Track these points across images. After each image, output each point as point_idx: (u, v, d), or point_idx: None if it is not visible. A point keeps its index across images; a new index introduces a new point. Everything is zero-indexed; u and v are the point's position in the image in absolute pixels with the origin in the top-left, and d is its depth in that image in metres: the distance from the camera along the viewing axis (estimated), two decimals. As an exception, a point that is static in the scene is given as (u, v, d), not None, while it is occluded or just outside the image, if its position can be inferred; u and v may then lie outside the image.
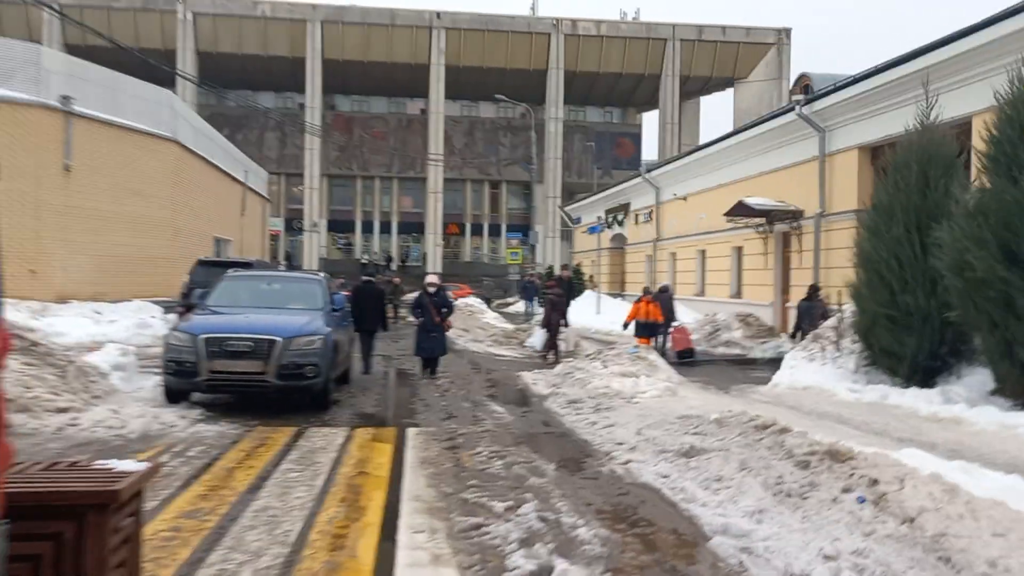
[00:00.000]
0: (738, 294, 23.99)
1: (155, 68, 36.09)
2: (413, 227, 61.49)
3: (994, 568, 4.16)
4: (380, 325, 14.63)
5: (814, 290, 16.04)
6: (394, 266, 56.39)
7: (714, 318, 20.53)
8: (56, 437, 7.76)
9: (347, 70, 57.10)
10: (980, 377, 10.20)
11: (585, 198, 44.13)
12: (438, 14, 55.94)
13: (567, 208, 47.51)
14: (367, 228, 62.57)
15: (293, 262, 54.11)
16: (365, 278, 15.40)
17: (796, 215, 19.98)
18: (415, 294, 16.59)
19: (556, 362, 16.23)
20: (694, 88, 60.88)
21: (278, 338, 9.37)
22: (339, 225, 62.15)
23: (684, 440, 7.46)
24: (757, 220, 21.31)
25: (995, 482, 5.45)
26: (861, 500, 5.36)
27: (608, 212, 36.14)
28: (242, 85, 58.02)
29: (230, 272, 12.35)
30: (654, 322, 16.49)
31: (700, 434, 7.69)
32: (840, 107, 17.92)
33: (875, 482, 5.44)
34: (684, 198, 27.78)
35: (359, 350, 13.85)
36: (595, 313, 27.57)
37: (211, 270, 15.71)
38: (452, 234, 62.36)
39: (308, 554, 4.72)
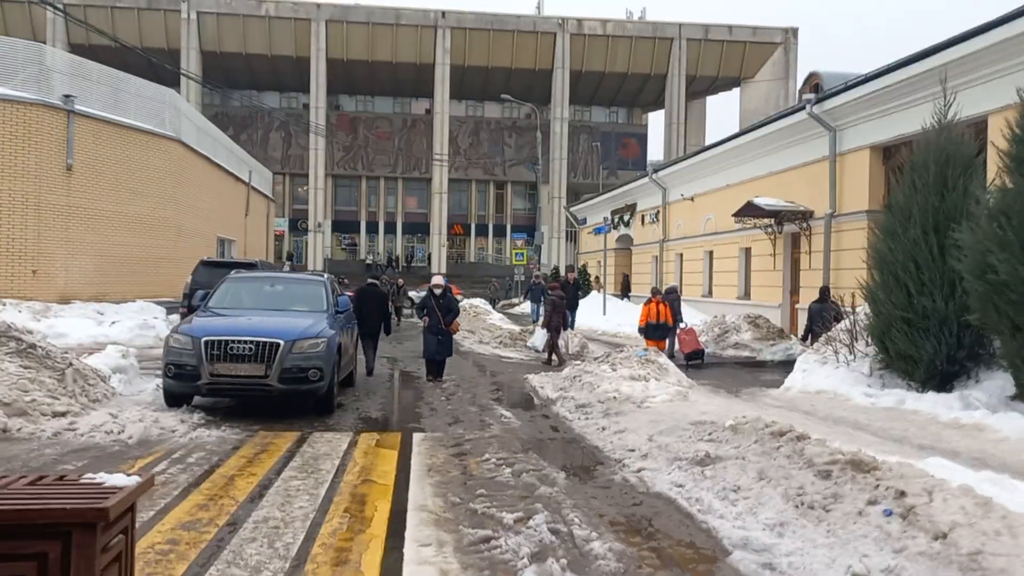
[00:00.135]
0: (746, 295, 23.74)
1: (159, 68, 36.03)
2: (418, 228, 61.35)
3: (1036, 589, 3.93)
4: (383, 327, 14.47)
5: (825, 292, 15.78)
6: (397, 267, 56.23)
7: (722, 320, 20.28)
8: (52, 442, 7.56)
9: (352, 70, 56.97)
10: (999, 382, 9.95)
11: (591, 198, 43.88)
12: (443, 13, 55.77)
13: (572, 208, 47.27)
14: (372, 229, 62.45)
15: (295, 262, 54.02)
16: (370, 280, 15.21)
17: (806, 216, 19.73)
18: (417, 293, 16.37)
19: (559, 363, 16.07)
20: (700, 88, 60.66)
21: (281, 341, 9.15)
22: (344, 225, 62.05)
23: (698, 447, 7.22)
24: (766, 221, 21.06)
25: (1029, 495, 5.21)
26: (888, 513, 5.12)
27: (614, 213, 35.90)
28: (246, 85, 57.97)
29: (232, 273, 12.12)
30: (664, 323, 16.24)
31: (715, 441, 7.45)
32: (852, 106, 17.66)
33: (902, 494, 5.20)
34: (691, 198, 27.54)
35: (362, 352, 13.65)
36: (601, 315, 27.33)
37: (214, 271, 15.50)
38: (457, 235, 62.20)
39: (310, 569, 4.51)
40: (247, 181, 35.22)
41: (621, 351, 12.61)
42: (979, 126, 13.16)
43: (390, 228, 62.82)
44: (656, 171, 31.78)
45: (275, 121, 59.71)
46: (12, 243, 18.94)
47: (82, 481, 3.07)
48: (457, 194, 61.18)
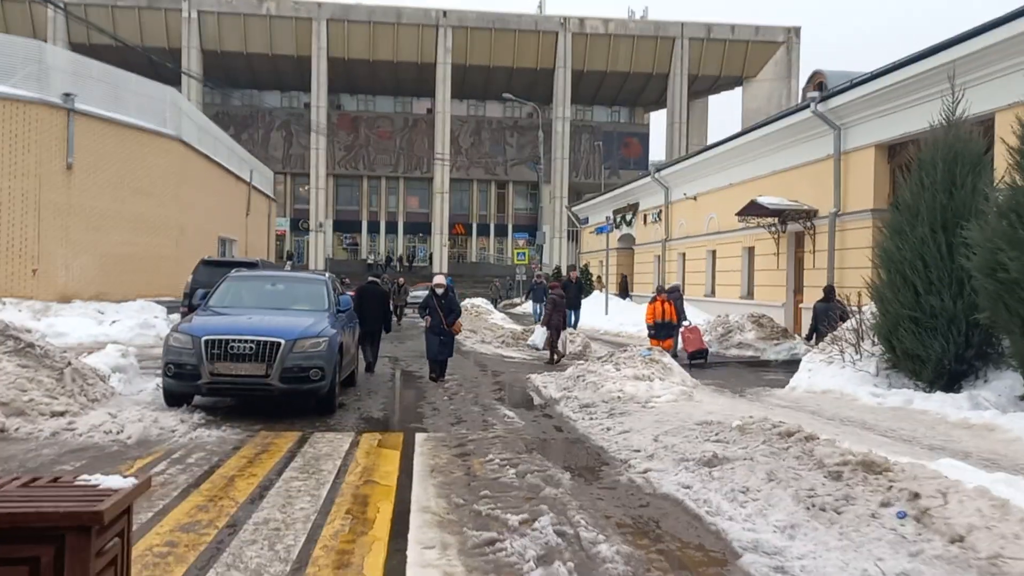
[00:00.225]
0: (749, 295, 23.64)
1: (160, 68, 35.96)
2: (419, 227, 61.27)
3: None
4: (384, 326, 14.34)
5: (831, 291, 15.66)
6: (395, 266, 56.15)
7: (726, 319, 20.16)
8: (51, 442, 7.46)
9: (353, 69, 56.88)
10: (1009, 382, 9.85)
11: (592, 198, 43.78)
12: (444, 12, 55.67)
13: (574, 208, 47.16)
14: (373, 228, 62.39)
15: (297, 261, 53.96)
16: (370, 278, 15.11)
17: (810, 215, 19.63)
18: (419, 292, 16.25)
19: (557, 361, 15.98)
20: (702, 87, 60.53)
21: (282, 340, 9.05)
22: (345, 225, 61.99)
23: (705, 448, 7.11)
24: (769, 220, 20.95)
25: (1045, 497, 5.09)
26: (902, 515, 5.02)
27: (616, 212, 35.78)
28: (247, 84, 57.93)
29: (233, 272, 12.01)
30: (669, 322, 16.13)
31: (722, 441, 7.34)
32: (856, 104, 17.55)
33: (916, 496, 5.09)
34: (694, 198, 27.43)
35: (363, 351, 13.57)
36: (603, 314, 27.23)
37: (215, 270, 15.39)
38: (458, 234, 62.11)
39: (312, 572, 4.40)
40: (248, 180, 35.13)
41: (625, 351, 12.50)
42: (986, 124, 13.04)
43: (391, 228, 62.75)
44: (658, 170, 31.68)
45: (276, 120, 59.66)
46: (12, 242, 18.85)
47: (77, 483, 3.00)
48: (458, 194, 61.10)
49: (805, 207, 19.63)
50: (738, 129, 31.41)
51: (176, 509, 5.50)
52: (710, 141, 37.60)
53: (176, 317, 16.85)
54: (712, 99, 64.59)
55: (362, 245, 62.36)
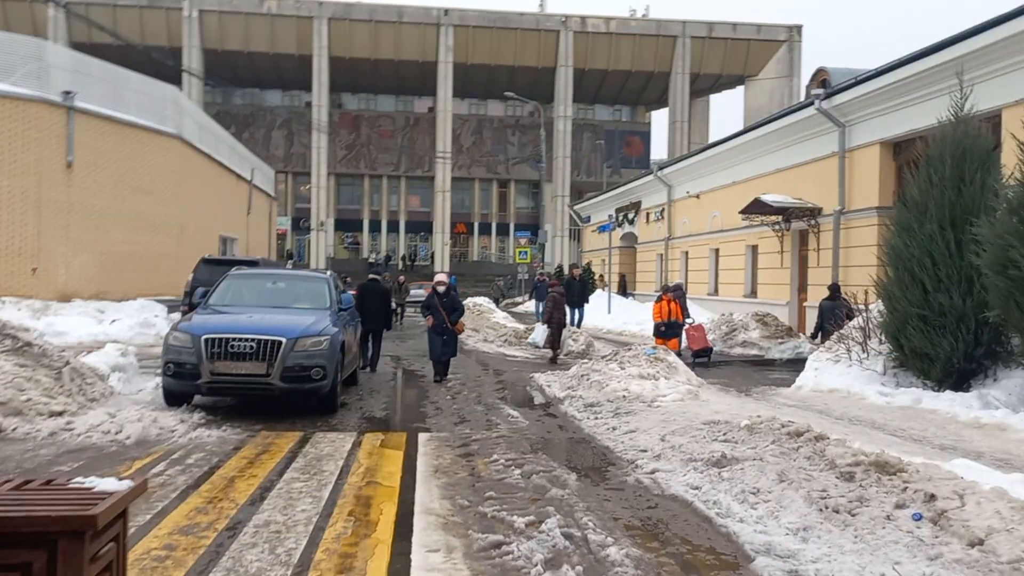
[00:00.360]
0: (752, 293, 23.51)
1: (162, 67, 35.83)
2: (421, 226, 61.13)
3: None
4: (385, 324, 14.21)
5: (836, 289, 15.54)
6: (397, 264, 56.02)
7: (730, 318, 20.03)
8: (48, 443, 7.35)
9: (354, 68, 56.74)
10: (1019, 380, 9.73)
11: (594, 196, 43.65)
12: (446, 11, 55.51)
13: (576, 206, 47.03)
14: (375, 227, 62.27)
15: (298, 260, 53.84)
16: (371, 276, 14.99)
17: (814, 213, 19.49)
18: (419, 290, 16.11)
19: (554, 359, 15.84)
20: (704, 86, 60.34)
21: (283, 339, 8.93)
22: (347, 224, 61.87)
23: (713, 448, 7.00)
24: (773, 218, 20.82)
25: (1064, 498, 4.97)
26: (917, 517, 4.91)
27: (618, 211, 35.66)
28: (248, 83, 57.82)
29: (233, 270, 11.89)
30: (675, 321, 16.01)
31: (730, 441, 7.23)
32: (862, 101, 17.41)
33: (932, 498, 4.98)
34: (697, 196, 27.30)
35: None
36: (606, 313, 27.11)
37: (215, 269, 15.26)
38: (460, 233, 61.98)
39: (313, 577, 4.29)
40: (249, 179, 35.02)
41: (629, 349, 12.38)
42: (992, 120, 12.92)
43: (393, 227, 62.63)
44: (661, 168, 31.55)
45: (278, 119, 59.55)
46: (11, 241, 18.74)
47: (70, 486, 2.91)
48: (460, 192, 60.95)
49: (809, 205, 19.50)
50: (739, 128, 31.24)
51: (175, 511, 5.39)
52: (712, 140, 37.48)
53: (176, 316, 16.72)
54: (713, 98, 64.50)
55: (363, 244, 62.24)
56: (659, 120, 65.27)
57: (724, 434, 7.52)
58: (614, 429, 8.60)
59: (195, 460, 6.92)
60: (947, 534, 4.60)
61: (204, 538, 4.84)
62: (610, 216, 33.40)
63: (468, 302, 24.52)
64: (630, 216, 35.14)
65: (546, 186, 54.61)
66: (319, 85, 55.20)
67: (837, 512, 5.18)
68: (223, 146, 31.03)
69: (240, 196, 33.80)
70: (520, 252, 47.21)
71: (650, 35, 57.30)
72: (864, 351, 11.88)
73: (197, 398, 9.46)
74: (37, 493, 2.81)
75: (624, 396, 10.13)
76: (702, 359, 16.21)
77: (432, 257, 58.32)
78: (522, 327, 22.13)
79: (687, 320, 17.03)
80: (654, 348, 12.48)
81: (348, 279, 25.44)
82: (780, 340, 18.48)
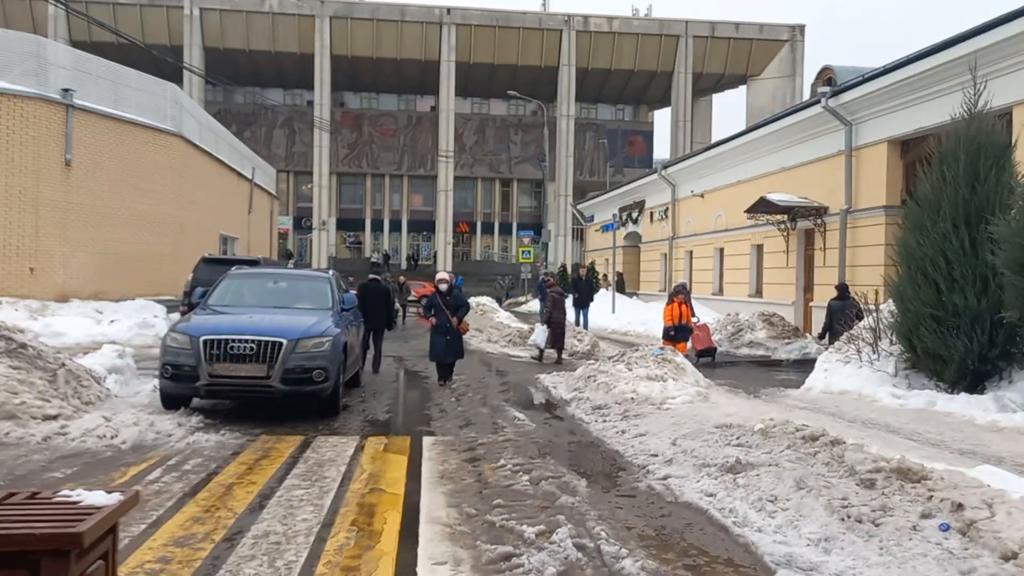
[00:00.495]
0: (758, 293, 23.30)
1: (163, 65, 35.62)
2: (423, 225, 60.92)
3: None
4: (386, 323, 14.00)
5: (844, 288, 15.31)
6: (396, 265, 55.78)
7: (736, 318, 19.81)
8: (42, 447, 7.14)
9: (356, 66, 56.55)
10: (1035, 382, 9.51)
11: (598, 196, 43.45)
12: (448, 10, 55.31)
13: (580, 206, 46.84)
14: (377, 226, 62.07)
15: (300, 260, 53.63)
16: (371, 276, 14.78)
17: (820, 212, 19.28)
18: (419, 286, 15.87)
19: (558, 360, 15.64)
20: (707, 85, 60.13)
21: (284, 340, 8.71)
22: (348, 223, 61.66)
23: (727, 453, 6.78)
24: (779, 217, 20.61)
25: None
26: (945, 528, 4.69)
27: (622, 210, 35.47)
28: (250, 82, 57.58)
29: (233, 269, 11.67)
30: (685, 324, 15.81)
31: (744, 446, 7.01)
32: (869, 99, 17.20)
33: (959, 507, 4.77)
34: (701, 195, 27.10)
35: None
36: (611, 313, 26.89)
37: (216, 268, 15.04)
38: (463, 232, 61.77)
39: (314, 592, 4.09)
40: (250, 178, 34.82)
41: (636, 350, 12.16)
42: (1004, 118, 12.69)
43: (395, 226, 62.43)
44: (665, 167, 31.34)
45: (279, 118, 59.35)
46: (9, 240, 18.55)
47: (56, 500, 2.74)
48: (463, 192, 60.75)
49: (815, 204, 19.30)
50: (742, 128, 31.04)
51: (170, 521, 5.18)
52: (715, 139, 37.25)
53: (176, 316, 16.54)
54: (716, 98, 64.26)
55: (366, 243, 62.04)
56: (662, 119, 65.17)
57: (737, 438, 7.30)
58: (623, 432, 8.39)
59: (192, 466, 6.71)
60: (977, 546, 4.39)
61: (200, 550, 4.64)
62: (614, 215, 33.21)
63: (471, 301, 24.28)
64: (634, 215, 34.94)
65: (549, 185, 54.37)
66: (321, 84, 55.00)
67: (860, 522, 4.97)
68: (224, 144, 30.83)
69: (241, 195, 33.60)
70: (523, 251, 46.99)
71: (653, 34, 57.10)
72: (875, 352, 11.66)
73: (195, 401, 9.24)
74: (20, 508, 2.64)
75: (632, 398, 9.92)
76: (706, 359, 16.01)
77: (435, 256, 58.11)
78: (526, 327, 21.90)
79: (695, 320, 16.83)
80: (661, 349, 12.26)
81: (350, 279, 25.26)
82: (787, 340, 18.26)
